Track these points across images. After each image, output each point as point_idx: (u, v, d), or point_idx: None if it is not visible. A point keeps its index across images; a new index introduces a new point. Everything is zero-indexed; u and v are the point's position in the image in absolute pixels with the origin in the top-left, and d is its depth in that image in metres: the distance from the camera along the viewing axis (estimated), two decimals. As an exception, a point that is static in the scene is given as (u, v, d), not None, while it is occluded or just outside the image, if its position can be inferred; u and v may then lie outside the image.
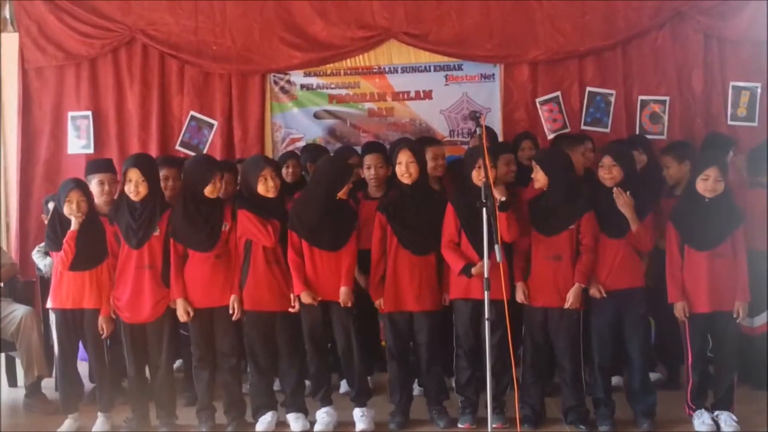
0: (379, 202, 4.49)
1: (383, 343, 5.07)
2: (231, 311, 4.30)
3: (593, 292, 4.22)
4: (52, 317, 4.47)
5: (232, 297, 4.30)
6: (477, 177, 4.22)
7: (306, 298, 4.29)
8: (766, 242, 4.73)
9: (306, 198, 4.42)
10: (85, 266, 4.35)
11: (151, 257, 4.30)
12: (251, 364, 4.42)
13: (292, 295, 4.32)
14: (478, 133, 3.85)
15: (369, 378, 4.75)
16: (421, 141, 5.04)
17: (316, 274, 4.31)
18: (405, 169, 4.33)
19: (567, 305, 4.19)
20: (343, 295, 4.28)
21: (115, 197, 4.58)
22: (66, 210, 4.31)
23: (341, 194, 4.31)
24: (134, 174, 4.25)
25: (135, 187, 4.25)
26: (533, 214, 4.28)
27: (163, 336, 4.35)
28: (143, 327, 4.35)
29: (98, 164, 4.97)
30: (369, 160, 4.82)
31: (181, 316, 4.31)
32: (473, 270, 4.17)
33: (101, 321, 4.35)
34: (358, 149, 5.42)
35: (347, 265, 4.31)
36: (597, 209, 4.25)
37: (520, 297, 4.23)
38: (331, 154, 5.31)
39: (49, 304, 4.47)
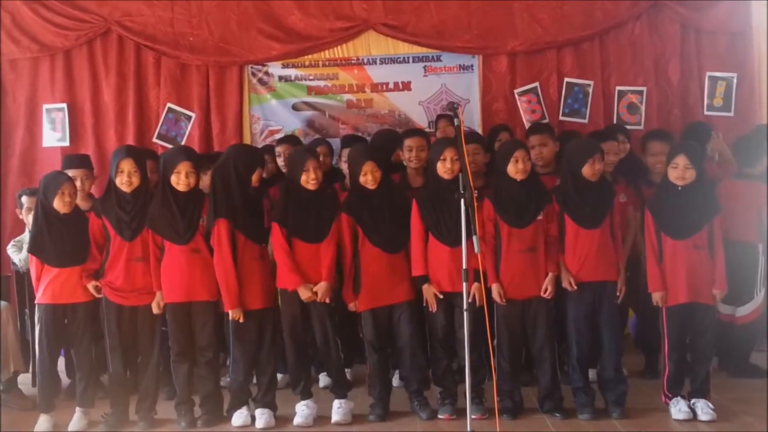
0: (344, 202, 4.44)
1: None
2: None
3: (566, 284, 4.24)
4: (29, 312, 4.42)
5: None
6: (442, 169, 4.23)
7: (304, 293, 4.25)
8: (755, 234, 4.80)
9: (282, 189, 4.42)
10: (74, 261, 4.31)
11: (143, 250, 4.28)
12: (237, 360, 4.37)
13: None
14: (457, 124, 3.86)
15: (349, 370, 4.76)
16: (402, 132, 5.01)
17: (299, 262, 4.29)
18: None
19: (546, 295, 4.22)
20: (323, 290, 4.25)
21: (90, 191, 4.54)
22: (57, 203, 4.25)
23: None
24: (128, 165, 4.22)
25: (128, 177, 4.22)
26: (502, 208, 4.26)
27: (155, 325, 4.35)
28: (134, 318, 4.33)
29: (72, 160, 4.97)
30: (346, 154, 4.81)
31: (153, 308, 4.30)
32: (425, 292, 4.27)
33: (90, 287, 4.31)
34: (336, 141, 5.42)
35: (328, 260, 4.29)
36: (570, 202, 4.26)
37: (496, 298, 4.22)
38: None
39: (37, 300, 4.38)
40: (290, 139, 5.44)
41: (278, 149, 5.21)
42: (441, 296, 4.26)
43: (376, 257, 4.30)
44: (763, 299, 4.87)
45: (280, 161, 5.09)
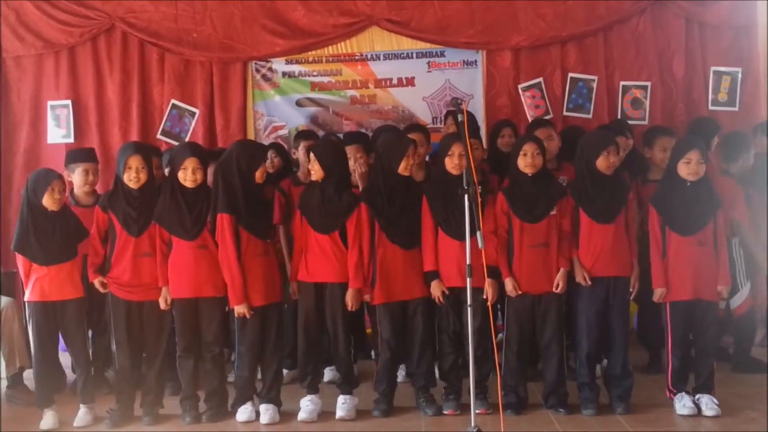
0: (362, 194, 4.44)
1: (368, 330, 5.10)
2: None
3: (579, 279, 4.23)
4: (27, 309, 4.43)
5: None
6: (450, 164, 4.24)
7: (292, 286, 4.40)
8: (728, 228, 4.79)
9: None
10: (61, 259, 4.31)
11: (150, 245, 4.29)
12: (242, 356, 4.36)
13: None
14: (460, 120, 3.85)
15: (354, 365, 4.76)
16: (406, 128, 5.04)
17: (313, 254, 4.32)
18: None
19: (559, 290, 4.21)
20: (351, 298, 4.28)
21: (96, 187, 4.56)
22: (47, 200, 4.25)
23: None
24: (136, 161, 4.24)
25: (136, 174, 4.23)
26: (514, 203, 4.26)
27: (163, 321, 4.36)
28: (141, 314, 4.34)
29: (83, 153, 5.00)
30: (348, 151, 4.80)
31: (161, 304, 4.31)
32: (432, 288, 4.25)
33: (97, 283, 4.34)
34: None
35: (354, 262, 4.29)
36: (584, 196, 4.25)
37: (511, 291, 4.22)
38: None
39: (27, 297, 4.38)
40: (310, 134, 5.36)
41: (305, 144, 5.03)
42: (447, 292, 4.26)
43: (393, 252, 4.30)
44: (750, 291, 4.88)
45: (304, 156, 5.01)
